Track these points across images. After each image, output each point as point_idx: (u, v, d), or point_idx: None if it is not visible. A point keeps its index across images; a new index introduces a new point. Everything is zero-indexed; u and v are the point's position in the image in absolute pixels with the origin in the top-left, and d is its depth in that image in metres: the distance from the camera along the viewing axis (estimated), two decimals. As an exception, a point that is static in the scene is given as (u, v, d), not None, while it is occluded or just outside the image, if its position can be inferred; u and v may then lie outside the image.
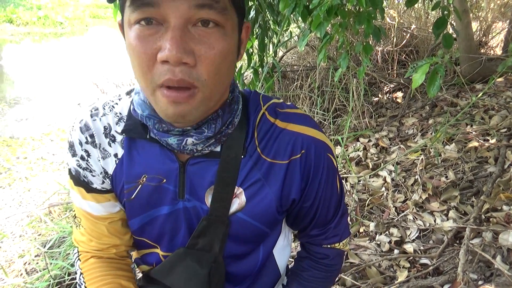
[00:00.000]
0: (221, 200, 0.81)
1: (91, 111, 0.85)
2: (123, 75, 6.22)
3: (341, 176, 2.86)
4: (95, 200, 0.89)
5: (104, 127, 0.84)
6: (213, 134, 0.76)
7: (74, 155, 0.86)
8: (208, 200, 0.83)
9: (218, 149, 0.80)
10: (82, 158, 0.85)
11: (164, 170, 0.82)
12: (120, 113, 0.85)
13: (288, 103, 0.90)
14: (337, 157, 3.06)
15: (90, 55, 9.87)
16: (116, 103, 0.86)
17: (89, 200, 0.89)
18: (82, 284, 0.92)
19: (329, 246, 0.99)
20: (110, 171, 0.86)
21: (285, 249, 1.04)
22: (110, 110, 0.85)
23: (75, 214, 0.93)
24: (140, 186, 0.84)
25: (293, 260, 1.10)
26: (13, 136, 4.98)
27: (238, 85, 0.90)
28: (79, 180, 0.88)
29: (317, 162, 0.83)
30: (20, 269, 2.47)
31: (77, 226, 0.93)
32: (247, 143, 0.81)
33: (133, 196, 0.85)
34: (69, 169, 0.90)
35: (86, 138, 0.83)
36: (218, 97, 0.73)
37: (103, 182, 0.88)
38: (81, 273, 0.93)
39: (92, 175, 0.87)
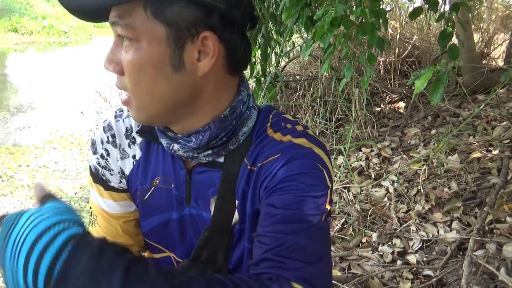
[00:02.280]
0: (223, 211, 0.81)
1: (116, 112, 0.88)
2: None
3: (343, 186, 2.88)
4: (112, 198, 0.90)
5: (126, 128, 0.86)
6: (198, 146, 0.74)
7: (95, 152, 0.88)
8: (212, 209, 0.83)
9: (221, 159, 0.80)
10: (102, 156, 0.88)
11: (174, 175, 0.84)
12: None
13: (303, 125, 0.82)
14: (340, 167, 3.05)
15: (94, 63, 9.95)
16: None
17: (106, 198, 0.90)
18: None
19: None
20: (127, 171, 0.88)
21: None
22: None
23: (91, 212, 0.94)
24: (153, 188, 0.86)
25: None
26: (16, 144, 5.00)
27: (254, 104, 0.85)
28: (97, 178, 0.90)
29: (296, 166, 0.71)
30: (20, 277, 2.46)
31: (92, 223, 0.94)
32: (247, 157, 0.78)
33: (146, 197, 0.87)
34: (90, 166, 0.92)
35: (108, 137, 0.86)
36: (159, 108, 0.70)
37: (120, 181, 0.90)
38: None
39: (110, 173, 0.89)
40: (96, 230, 0.93)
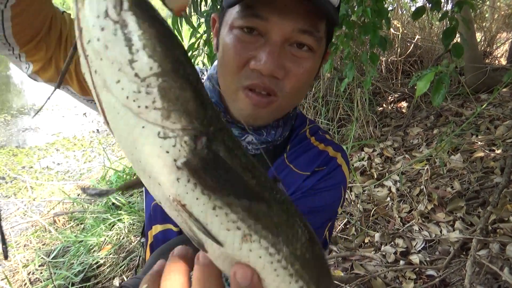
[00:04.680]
0: None
1: None
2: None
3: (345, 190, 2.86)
4: None
5: None
6: (272, 140, 0.84)
7: None
8: None
9: (258, 151, 0.85)
10: None
11: None
12: None
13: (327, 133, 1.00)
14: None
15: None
16: None
17: None
18: None
19: None
20: None
21: None
22: None
23: None
24: None
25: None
26: (19, 146, 5.01)
27: None
28: None
29: (331, 182, 0.89)
30: (24, 279, 2.47)
31: None
32: (287, 154, 0.89)
33: None
34: None
35: None
36: (289, 110, 0.83)
37: None
38: None
39: None
40: None
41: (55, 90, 0.46)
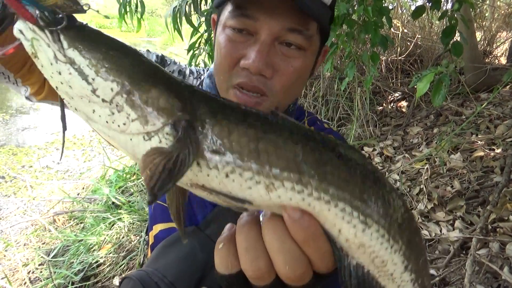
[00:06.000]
0: None
1: None
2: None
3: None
4: None
5: None
6: None
7: None
8: None
9: None
10: None
11: None
12: None
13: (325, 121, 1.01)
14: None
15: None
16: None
17: None
18: None
19: None
20: None
21: None
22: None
23: None
24: None
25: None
26: (19, 145, 5.01)
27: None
28: None
29: None
30: (24, 278, 2.47)
31: None
32: None
33: None
34: None
35: None
36: (285, 107, 0.84)
37: None
38: None
39: None
40: None
41: (64, 130, 0.50)
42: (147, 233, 1.05)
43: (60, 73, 0.39)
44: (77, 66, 0.39)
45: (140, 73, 0.40)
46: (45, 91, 0.84)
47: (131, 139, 0.40)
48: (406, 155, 3.13)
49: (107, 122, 0.40)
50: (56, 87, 0.40)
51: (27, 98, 0.86)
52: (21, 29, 0.39)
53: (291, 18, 0.70)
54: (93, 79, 0.39)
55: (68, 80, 0.39)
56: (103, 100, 0.39)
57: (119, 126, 0.40)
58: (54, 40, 0.39)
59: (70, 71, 0.39)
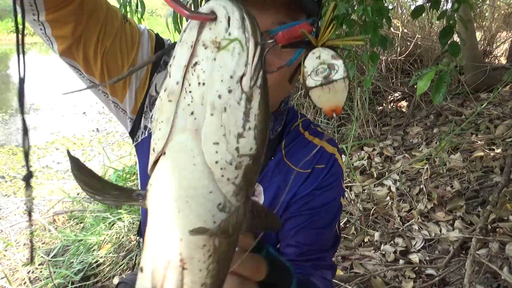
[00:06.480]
0: None
1: None
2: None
3: (345, 185, 2.86)
4: None
5: None
6: None
7: None
8: None
9: None
10: None
11: None
12: None
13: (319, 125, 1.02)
14: (342, 166, 3.05)
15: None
16: None
17: None
18: None
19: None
20: None
21: None
22: None
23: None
24: None
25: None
26: (19, 145, 5.00)
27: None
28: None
29: (332, 179, 0.92)
30: (24, 277, 2.46)
31: None
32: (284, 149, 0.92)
33: None
34: None
35: None
36: (277, 104, 0.87)
37: None
38: None
39: None
40: None
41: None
42: (139, 234, 1.06)
43: (230, 91, 0.37)
44: (250, 106, 0.38)
45: (262, 155, 0.42)
46: (78, 54, 0.80)
47: (210, 192, 0.40)
48: (406, 155, 3.13)
49: (216, 162, 0.38)
50: (207, 90, 0.38)
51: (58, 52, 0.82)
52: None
53: (282, 12, 0.70)
54: (249, 128, 0.38)
55: (230, 103, 0.37)
56: (237, 149, 0.38)
57: (222, 176, 0.39)
58: None
59: (241, 102, 0.37)
